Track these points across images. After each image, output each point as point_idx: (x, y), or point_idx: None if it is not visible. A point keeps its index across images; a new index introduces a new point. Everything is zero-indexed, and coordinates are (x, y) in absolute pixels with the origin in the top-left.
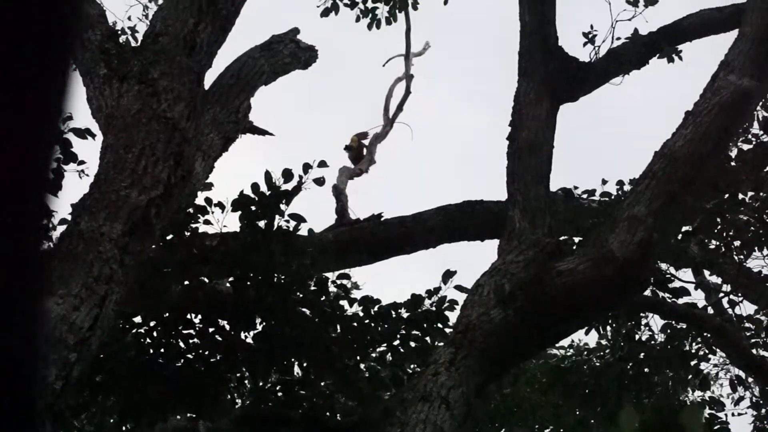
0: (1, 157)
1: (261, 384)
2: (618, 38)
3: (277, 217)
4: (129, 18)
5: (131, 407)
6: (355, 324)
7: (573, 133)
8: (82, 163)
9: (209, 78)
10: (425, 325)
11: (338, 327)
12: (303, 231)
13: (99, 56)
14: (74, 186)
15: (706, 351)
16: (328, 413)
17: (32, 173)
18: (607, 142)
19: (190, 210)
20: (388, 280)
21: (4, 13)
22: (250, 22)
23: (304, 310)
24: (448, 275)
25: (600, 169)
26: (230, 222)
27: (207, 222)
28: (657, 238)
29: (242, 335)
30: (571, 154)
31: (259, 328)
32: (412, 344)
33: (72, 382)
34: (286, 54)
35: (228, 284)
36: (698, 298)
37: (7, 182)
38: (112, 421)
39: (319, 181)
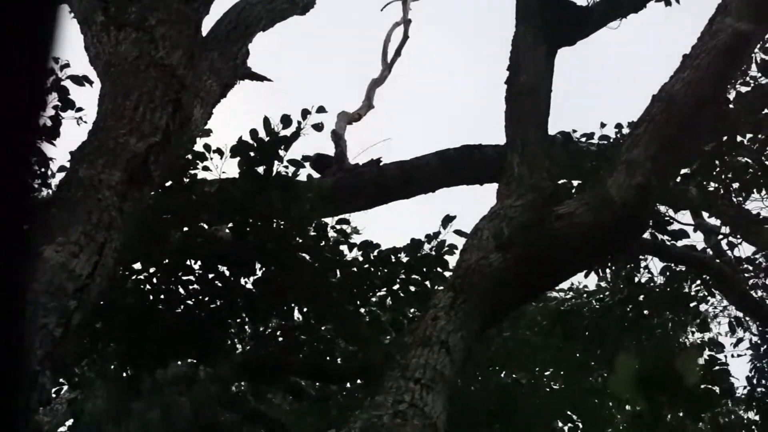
0: None
1: (261, 329)
2: None
3: (276, 162)
4: None
5: (131, 354)
6: (355, 269)
7: (572, 77)
8: (80, 110)
9: (207, 25)
10: (425, 269)
11: (338, 272)
12: (302, 176)
13: (96, 3)
14: (73, 133)
15: (706, 293)
16: (328, 358)
17: (22, 115)
18: (606, 86)
19: (189, 156)
20: (388, 225)
21: None
22: None
23: (303, 255)
24: (447, 220)
25: (599, 113)
26: (229, 168)
27: (206, 168)
28: (655, 182)
29: (242, 281)
30: (569, 99)
31: (259, 273)
32: (412, 289)
33: (72, 329)
34: (284, 0)
35: (227, 230)
36: (697, 240)
37: None
38: (112, 367)
39: (318, 127)
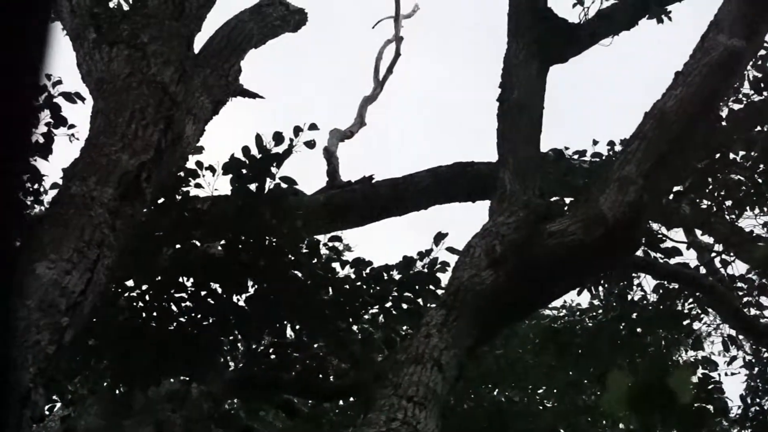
0: None
1: (254, 346)
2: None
3: (268, 180)
4: None
5: (124, 371)
6: (347, 286)
7: (563, 94)
8: (72, 127)
9: (199, 41)
10: (417, 286)
11: (330, 289)
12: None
13: (88, 21)
14: (65, 150)
15: (699, 311)
16: (321, 375)
17: (16, 135)
18: (598, 103)
19: (181, 173)
20: (380, 243)
21: None
22: None
23: (296, 272)
24: (439, 237)
25: (591, 130)
26: (221, 185)
27: (198, 185)
28: (648, 199)
29: (234, 298)
30: (561, 115)
31: (252, 290)
32: (404, 306)
33: (65, 346)
34: (276, 17)
35: (220, 247)
36: (690, 258)
37: None
38: (105, 384)
39: (310, 144)
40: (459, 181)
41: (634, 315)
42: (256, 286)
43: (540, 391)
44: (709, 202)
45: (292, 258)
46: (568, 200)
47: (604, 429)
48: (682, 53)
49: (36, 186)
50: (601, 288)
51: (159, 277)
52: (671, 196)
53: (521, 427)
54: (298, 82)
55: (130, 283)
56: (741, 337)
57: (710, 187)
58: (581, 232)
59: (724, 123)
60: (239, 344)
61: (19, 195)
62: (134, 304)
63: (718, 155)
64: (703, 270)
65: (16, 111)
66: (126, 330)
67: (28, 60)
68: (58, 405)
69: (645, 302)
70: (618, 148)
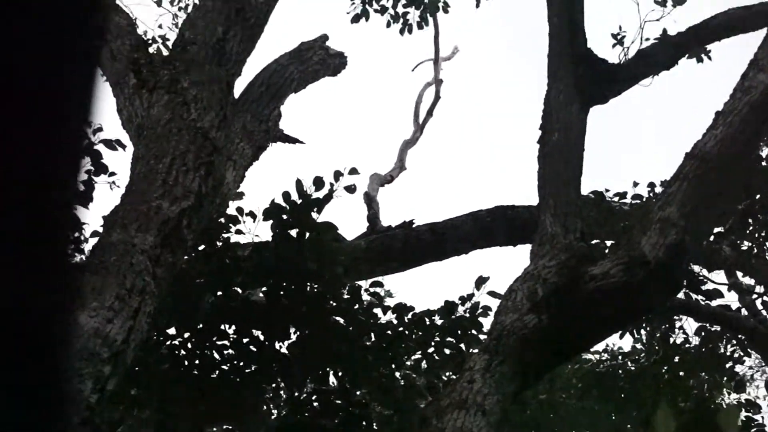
0: (28, 166)
1: (296, 394)
2: (647, 39)
3: (308, 225)
4: (160, 26)
5: (167, 420)
6: (389, 332)
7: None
8: (112, 174)
9: (239, 86)
10: (459, 331)
11: (372, 335)
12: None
13: (128, 66)
14: (106, 197)
15: (741, 353)
16: (364, 422)
17: (60, 182)
18: (639, 144)
19: (222, 220)
20: (422, 288)
21: (33, 23)
22: (279, 29)
23: (338, 318)
24: (481, 281)
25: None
26: (262, 231)
27: (239, 231)
28: (689, 241)
29: (277, 345)
30: (602, 156)
31: (294, 337)
32: (447, 351)
33: (107, 395)
34: (316, 61)
35: (261, 294)
36: (732, 299)
37: (34, 192)
38: None
39: (351, 189)
40: (499, 225)
41: (677, 358)
42: (298, 333)
43: None
44: (750, 244)
45: (334, 304)
46: (609, 242)
47: None
48: (722, 92)
49: (77, 234)
50: (643, 331)
51: (201, 325)
52: (712, 238)
53: None
54: (339, 126)
55: (171, 330)
56: None
57: (750, 228)
58: (623, 275)
59: (764, 163)
60: (282, 391)
61: (64, 245)
62: (176, 352)
63: (758, 196)
64: (744, 312)
65: (63, 161)
66: (168, 378)
67: (76, 109)
68: None
69: (687, 345)
70: (658, 189)
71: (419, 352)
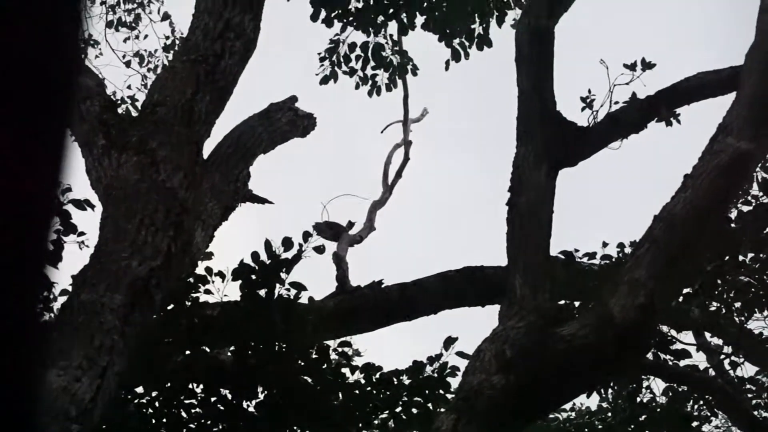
0: None
1: None
2: (616, 102)
3: (277, 285)
4: (129, 87)
5: None
6: (357, 391)
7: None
8: (81, 234)
9: (208, 147)
10: (427, 391)
11: (340, 394)
12: (303, 299)
13: (97, 127)
14: (74, 257)
15: (709, 413)
16: None
17: (31, 244)
18: (607, 205)
19: (191, 279)
20: (389, 348)
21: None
22: (248, 89)
23: (305, 378)
24: (449, 342)
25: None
26: (231, 291)
27: (207, 291)
28: (658, 302)
29: (244, 404)
30: (571, 217)
31: (261, 396)
32: (415, 411)
33: None
34: (285, 122)
35: (229, 353)
36: (700, 360)
37: (5, 253)
38: None
39: (319, 250)
40: (468, 286)
41: (644, 417)
42: (265, 392)
43: None
44: (719, 304)
45: (302, 363)
46: (577, 303)
47: None
48: (691, 156)
49: (46, 293)
50: (610, 390)
51: (168, 384)
52: (681, 299)
53: None
54: (307, 187)
55: (140, 389)
56: None
57: (719, 289)
58: (591, 336)
59: (732, 225)
60: None
61: (33, 304)
62: (144, 410)
63: (727, 257)
64: (712, 372)
65: (34, 221)
66: None
67: (46, 175)
68: None
69: (654, 404)
70: (628, 250)
71: (387, 412)
